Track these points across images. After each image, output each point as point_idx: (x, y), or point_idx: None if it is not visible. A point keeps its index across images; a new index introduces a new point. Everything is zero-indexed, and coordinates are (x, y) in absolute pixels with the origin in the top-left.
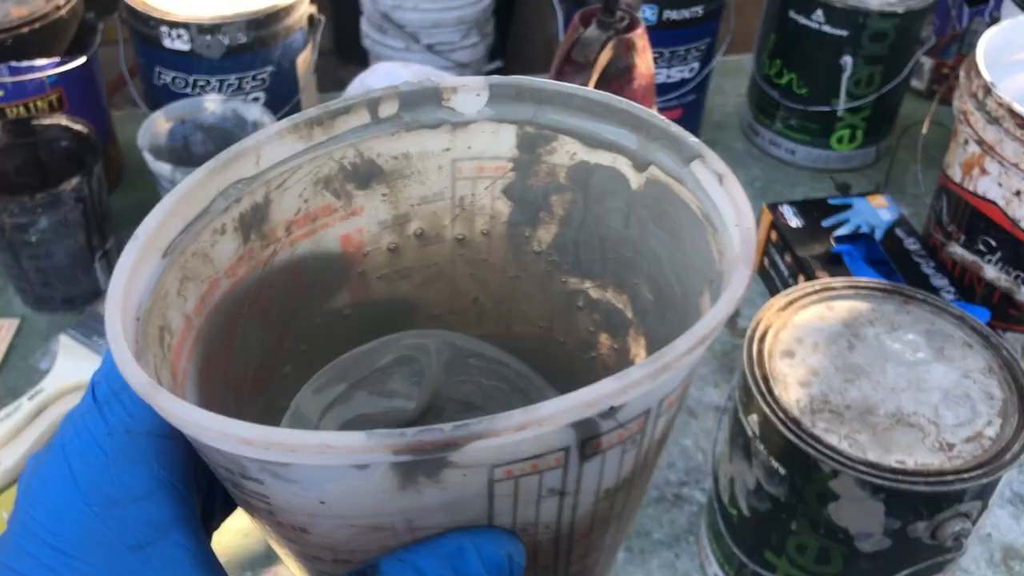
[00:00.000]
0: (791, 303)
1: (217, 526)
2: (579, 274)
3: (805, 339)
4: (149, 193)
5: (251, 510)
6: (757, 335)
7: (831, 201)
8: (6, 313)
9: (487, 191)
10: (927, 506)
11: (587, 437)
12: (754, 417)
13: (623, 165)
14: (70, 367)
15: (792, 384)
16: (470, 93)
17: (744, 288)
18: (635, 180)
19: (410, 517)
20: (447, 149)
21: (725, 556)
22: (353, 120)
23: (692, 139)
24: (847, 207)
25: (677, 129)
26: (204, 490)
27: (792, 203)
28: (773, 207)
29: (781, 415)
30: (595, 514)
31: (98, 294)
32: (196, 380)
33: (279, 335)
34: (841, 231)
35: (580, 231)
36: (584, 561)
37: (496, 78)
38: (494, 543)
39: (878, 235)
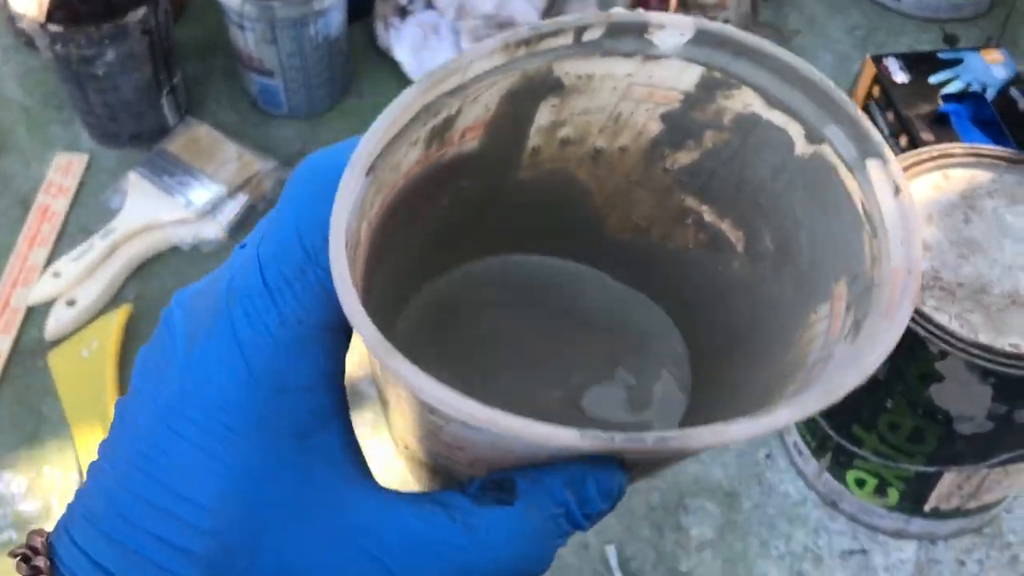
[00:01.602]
0: (906, 169)
1: None
2: (701, 198)
3: (918, 210)
4: (215, 26)
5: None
6: None
7: (940, 55)
8: (74, 148)
9: (646, 112)
10: None
11: None
12: None
13: (795, 132)
14: (140, 206)
15: None
16: (675, 32)
17: (907, 323)
18: (801, 147)
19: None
20: (629, 75)
21: (807, 426)
22: (558, 42)
23: (878, 136)
24: (958, 62)
25: (867, 123)
26: None
27: (898, 55)
28: (877, 59)
29: None
30: None
31: (165, 131)
32: (362, 288)
33: (420, 231)
34: (949, 89)
35: (722, 166)
36: None
37: (706, 23)
38: (609, 474)
39: (990, 95)
